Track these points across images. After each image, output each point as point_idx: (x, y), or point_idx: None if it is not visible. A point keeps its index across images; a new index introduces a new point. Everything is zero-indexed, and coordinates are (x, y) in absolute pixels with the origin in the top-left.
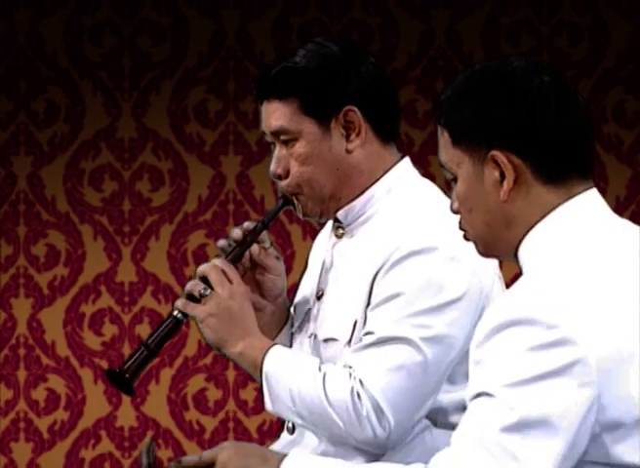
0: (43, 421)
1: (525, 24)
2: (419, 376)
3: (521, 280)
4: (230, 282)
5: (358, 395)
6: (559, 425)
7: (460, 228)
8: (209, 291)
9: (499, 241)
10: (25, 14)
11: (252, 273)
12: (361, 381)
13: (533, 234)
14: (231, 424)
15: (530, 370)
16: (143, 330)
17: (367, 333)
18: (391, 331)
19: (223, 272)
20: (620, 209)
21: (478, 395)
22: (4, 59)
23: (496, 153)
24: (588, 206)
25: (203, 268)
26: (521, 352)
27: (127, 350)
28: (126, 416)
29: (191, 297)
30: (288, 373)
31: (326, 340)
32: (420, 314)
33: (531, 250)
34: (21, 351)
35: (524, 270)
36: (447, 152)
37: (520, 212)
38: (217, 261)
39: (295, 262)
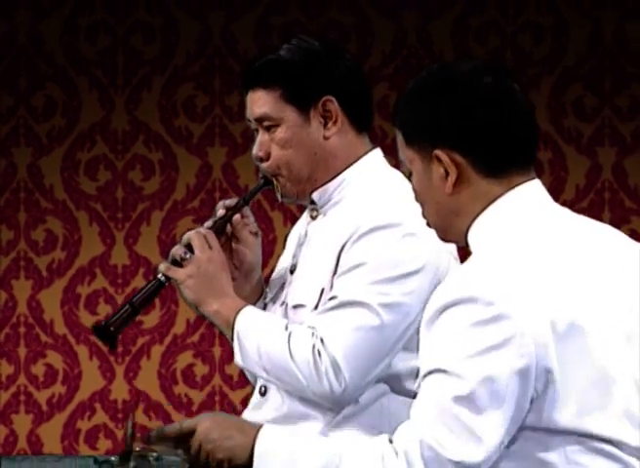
0: (42, 394)
1: (492, 25)
2: (375, 339)
3: (465, 263)
4: (210, 248)
5: (319, 352)
6: (505, 393)
7: (423, 217)
8: (189, 255)
9: (450, 228)
10: (25, 15)
11: (230, 244)
12: (322, 340)
13: (478, 222)
14: (217, 397)
15: (474, 345)
16: None
17: (331, 298)
18: (353, 295)
19: (205, 239)
20: (579, 197)
21: (430, 372)
22: (5, 58)
23: (439, 152)
24: (528, 195)
25: (187, 234)
26: (465, 328)
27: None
28: (119, 390)
29: (174, 262)
30: (257, 331)
31: (295, 306)
32: (381, 282)
33: (477, 236)
34: (22, 329)
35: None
36: (402, 151)
37: (466, 203)
38: (200, 229)
39: (276, 246)
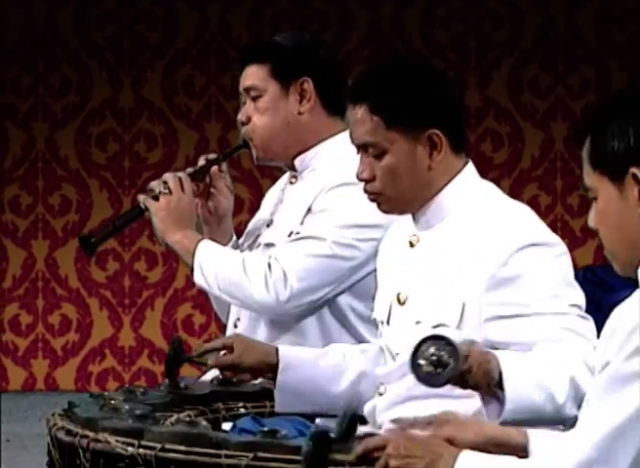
0: (57, 342)
1: (457, 14)
2: (323, 266)
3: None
4: (182, 190)
5: (270, 265)
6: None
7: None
8: (165, 192)
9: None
10: (42, 5)
11: (208, 191)
12: (276, 258)
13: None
14: None
15: None
16: (141, 266)
17: (296, 234)
18: (312, 231)
19: (180, 181)
20: (534, 166)
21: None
22: (25, 43)
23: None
24: (472, 167)
25: (167, 175)
26: None
27: (127, 282)
28: (126, 337)
29: (154, 197)
30: (215, 255)
31: (266, 245)
32: (339, 226)
33: (446, 204)
34: (40, 284)
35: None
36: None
37: (438, 177)
38: (179, 173)
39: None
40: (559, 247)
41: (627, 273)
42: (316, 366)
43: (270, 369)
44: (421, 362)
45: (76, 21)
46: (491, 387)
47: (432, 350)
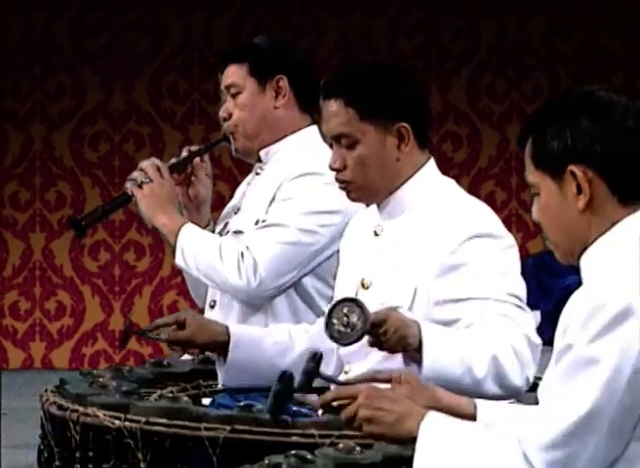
0: (53, 326)
1: (419, 26)
2: (289, 252)
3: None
4: (162, 177)
5: (242, 254)
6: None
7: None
8: (148, 180)
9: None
10: (40, 15)
11: (189, 180)
12: (247, 247)
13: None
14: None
15: None
16: (130, 256)
17: (262, 222)
18: (277, 219)
19: (158, 169)
20: (492, 164)
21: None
22: (23, 50)
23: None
24: (434, 164)
25: (144, 163)
26: None
27: (117, 271)
28: (116, 322)
29: (138, 185)
30: (196, 239)
31: (235, 232)
32: (302, 213)
33: (408, 195)
34: (37, 272)
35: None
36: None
37: (404, 168)
38: (157, 161)
39: None
40: (506, 239)
41: (569, 261)
42: (264, 343)
43: (221, 346)
44: (334, 321)
45: (71, 31)
46: (409, 352)
47: (345, 311)
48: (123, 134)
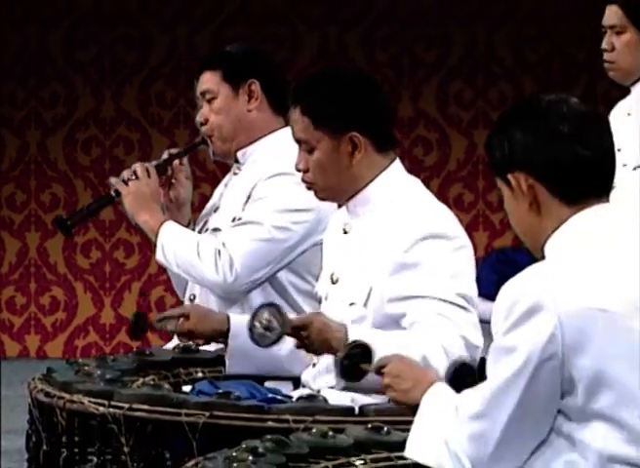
0: (48, 320)
1: (393, 37)
2: (263, 248)
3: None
4: (149, 177)
5: (219, 251)
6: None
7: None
8: (134, 178)
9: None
10: (35, 29)
11: (170, 182)
12: (223, 244)
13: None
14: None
15: None
16: (120, 254)
17: (238, 220)
18: (252, 217)
19: (147, 170)
20: (460, 168)
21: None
22: (20, 61)
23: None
24: (399, 166)
25: (136, 165)
26: None
27: (108, 269)
28: (107, 316)
29: (124, 181)
30: (175, 236)
31: (213, 229)
32: (276, 211)
33: (373, 197)
34: (32, 269)
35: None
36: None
37: (362, 172)
38: (146, 163)
39: None
40: (459, 240)
41: (538, 254)
42: None
43: (222, 335)
44: (256, 325)
45: (64, 44)
46: (335, 354)
47: (265, 315)
48: (113, 139)
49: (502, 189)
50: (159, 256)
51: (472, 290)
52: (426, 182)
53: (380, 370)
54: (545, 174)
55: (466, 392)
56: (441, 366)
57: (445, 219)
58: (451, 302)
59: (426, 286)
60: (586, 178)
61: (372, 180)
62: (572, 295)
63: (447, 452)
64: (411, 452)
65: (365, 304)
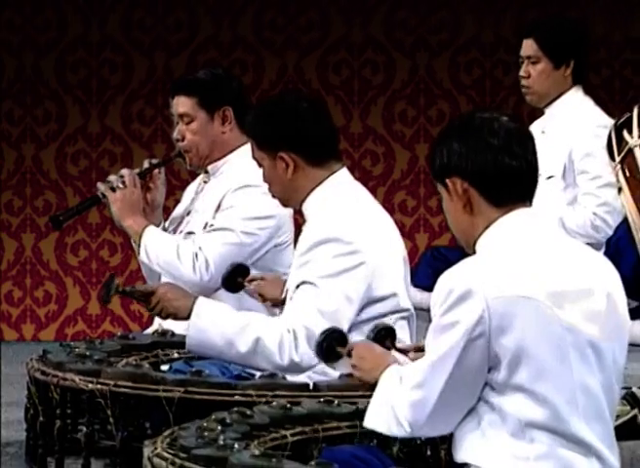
0: (41, 311)
1: (344, 62)
2: (234, 251)
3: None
4: (135, 185)
5: (196, 254)
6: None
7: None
8: (122, 186)
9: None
10: (30, 55)
11: (148, 187)
12: (200, 248)
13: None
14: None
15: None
16: (105, 253)
17: (210, 226)
18: (223, 224)
19: (134, 178)
20: (403, 177)
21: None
22: (17, 83)
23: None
24: (341, 176)
25: (124, 171)
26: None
27: (94, 266)
28: (94, 308)
29: (112, 188)
30: (157, 239)
31: (188, 233)
32: (244, 219)
33: (311, 205)
34: (28, 266)
35: (312, 214)
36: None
37: (302, 184)
38: (132, 171)
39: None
40: (352, 246)
41: (470, 251)
42: (226, 316)
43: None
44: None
45: (55, 67)
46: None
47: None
48: (99, 152)
49: (442, 193)
50: (142, 257)
51: (353, 289)
52: (374, 190)
53: (350, 353)
54: (477, 179)
55: (411, 364)
56: (276, 349)
57: (346, 226)
58: (319, 289)
59: (312, 278)
60: (512, 185)
61: (312, 190)
62: (499, 284)
63: (393, 417)
64: (367, 423)
65: (291, 298)
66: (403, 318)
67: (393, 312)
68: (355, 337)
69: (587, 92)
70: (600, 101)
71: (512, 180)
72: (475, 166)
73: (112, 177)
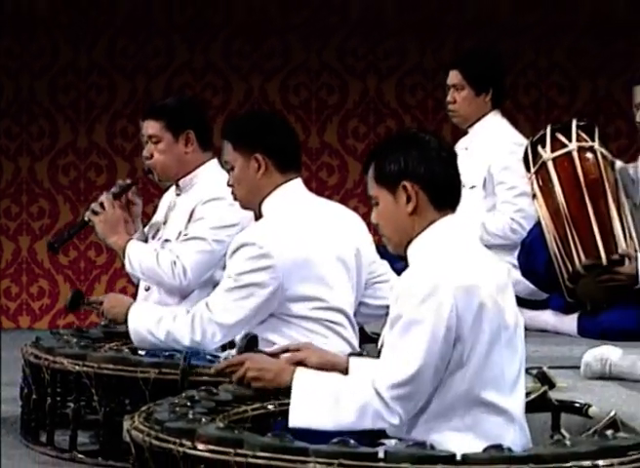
0: (36, 304)
1: (304, 85)
2: (207, 258)
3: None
4: (113, 207)
5: (174, 262)
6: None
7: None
8: (102, 210)
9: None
10: (26, 78)
11: (127, 204)
12: (177, 256)
13: (270, 198)
14: None
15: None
16: (92, 253)
17: (185, 236)
18: (196, 233)
19: (111, 202)
20: (356, 187)
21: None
22: (14, 103)
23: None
24: (294, 185)
25: (102, 197)
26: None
27: (82, 265)
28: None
29: (93, 212)
30: (139, 251)
31: (165, 240)
32: (213, 228)
33: (267, 207)
34: (24, 265)
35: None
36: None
37: (265, 185)
38: (109, 196)
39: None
40: (263, 250)
41: (398, 251)
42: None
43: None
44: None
45: (48, 89)
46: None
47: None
48: (87, 164)
49: (382, 196)
50: (128, 268)
51: (259, 287)
52: (330, 198)
53: (235, 367)
54: (429, 184)
55: (378, 367)
56: (189, 329)
57: (263, 232)
58: (233, 288)
59: (226, 273)
60: (451, 193)
61: (267, 195)
62: (458, 277)
63: (368, 413)
64: (298, 421)
65: None
66: (339, 311)
67: (321, 309)
68: (290, 332)
69: (518, 111)
70: (529, 120)
71: (451, 189)
72: (428, 172)
73: (93, 204)
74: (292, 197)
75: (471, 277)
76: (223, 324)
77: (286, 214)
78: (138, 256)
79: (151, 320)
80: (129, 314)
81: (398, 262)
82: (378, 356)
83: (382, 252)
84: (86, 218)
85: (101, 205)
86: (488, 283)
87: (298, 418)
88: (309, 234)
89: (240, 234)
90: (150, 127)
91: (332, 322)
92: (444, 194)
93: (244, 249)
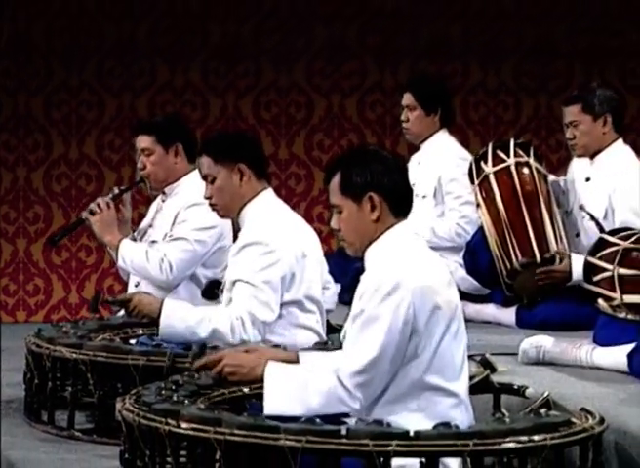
0: (32, 300)
1: (275, 102)
2: (190, 256)
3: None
4: (109, 208)
5: (162, 260)
6: (278, 286)
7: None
8: (98, 210)
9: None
10: (23, 95)
11: (119, 207)
12: (165, 254)
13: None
14: None
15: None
16: (82, 254)
17: (170, 236)
18: (180, 234)
19: (107, 204)
20: (321, 194)
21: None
22: (12, 119)
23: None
24: (269, 194)
25: (99, 199)
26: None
27: (74, 264)
28: (73, 298)
29: (91, 212)
30: (130, 249)
31: (152, 241)
32: (195, 229)
33: (250, 211)
34: (21, 265)
35: (246, 222)
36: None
37: (246, 193)
38: (106, 198)
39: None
40: (269, 246)
41: (357, 254)
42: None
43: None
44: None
45: (44, 106)
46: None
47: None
48: (77, 174)
49: (346, 205)
50: (120, 263)
51: (275, 278)
52: (297, 204)
53: (214, 363)
54: (390, 194)
55: (341, 357)
56: (228, 331)
57: (265, 231)
58: (257, 287)
59: (243, 276)
60: (406, 201)
61: (247, 202)
62: (416, 278)
63: (332, 399)
64: (271, 409)
65: (228, 289)
66: (313, 303)
67: (306, 297)
68: (282, 312)
69: (469, 126)
70: (478, 134)
71: (407, 198)
72: (391, 184)
73: (92, 205)
74: (271, 201)
75: (427, 277)
76: (267, 321)
77: (272, 215)
78: (129, 254)
79: (193, 318)
80: (162, 310)
81: (358, 262)
82: (340, 347)
83: (339, 253)
84: (83, 217)
85: (99, 206)
86: (440, 281)
87: (271, 406)
88: (297, 231)
89: (242, 236)
90: (143, 141)
91: (310, 312)
92: (402, 203)
93: (250, 248)
